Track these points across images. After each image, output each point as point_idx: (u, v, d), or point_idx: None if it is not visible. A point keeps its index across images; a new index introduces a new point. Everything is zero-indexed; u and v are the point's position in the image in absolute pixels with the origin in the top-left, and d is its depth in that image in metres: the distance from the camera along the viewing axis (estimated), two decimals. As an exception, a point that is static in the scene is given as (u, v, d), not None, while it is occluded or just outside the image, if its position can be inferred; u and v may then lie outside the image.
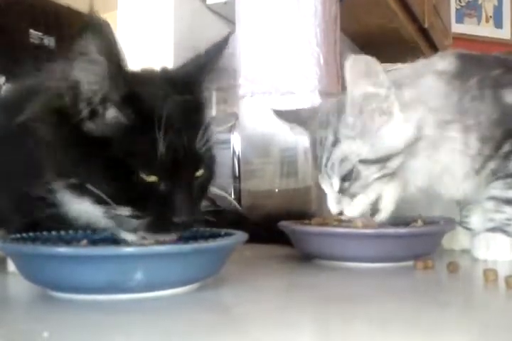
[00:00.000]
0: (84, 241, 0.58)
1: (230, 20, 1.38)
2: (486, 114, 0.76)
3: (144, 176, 0.54)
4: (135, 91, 0.55)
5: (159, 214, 0.55)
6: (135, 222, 0.55)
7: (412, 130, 0.74)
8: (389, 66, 1.52)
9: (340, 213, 0.76)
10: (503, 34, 3.66)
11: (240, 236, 0.58)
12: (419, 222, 0.76)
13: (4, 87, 0.91)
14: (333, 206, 0.76)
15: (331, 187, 0.76)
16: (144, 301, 0.51)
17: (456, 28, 3.23)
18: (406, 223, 0.77)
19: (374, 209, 0.76)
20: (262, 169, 1.08)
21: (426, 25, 1.96)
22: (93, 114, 0.55)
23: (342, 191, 0.75)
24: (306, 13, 1.07)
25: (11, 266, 0.60)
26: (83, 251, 0.50)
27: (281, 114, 0.90)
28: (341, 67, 1.14)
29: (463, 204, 0.86)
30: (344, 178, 0.74)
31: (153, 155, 0.54)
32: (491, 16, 3.69)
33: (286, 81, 1.07)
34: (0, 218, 0.65)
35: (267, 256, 0.81)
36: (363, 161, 0.73)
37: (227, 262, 0.57)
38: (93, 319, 0.46)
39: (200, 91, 0.63)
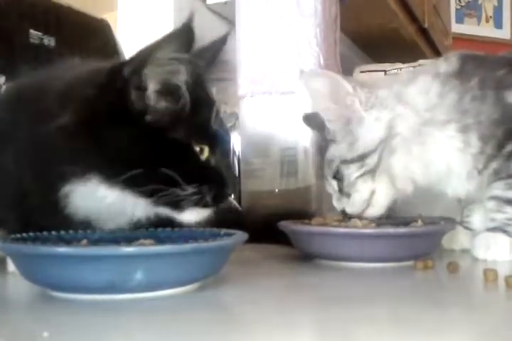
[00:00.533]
0: (85, 241, 0.58)
1: (230, 21, 1.38)
2: (487, 114, 0.77)
3: (200, 153, 0.59)
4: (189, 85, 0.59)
5: (216, 187, 0.60)
6: (195, 198, 0.58)
7: (382, 128, 0.78)
8: (389, 66, 1.52)
9: (343, 210, 0.80)
10: (503, 34, 3.66)
11: (240, 236, 0.58)
12: (419, 222, 0.76)
13: (4, 87, 0.91)
14: (336, 204, 0.82)
15: (331, 187, 0.82)
16: (144, 301, 0.51)
17: (456, 28, 3.23)
18: (406, 223, 0.77)
19: (367, 204, 0.79)
20: (262, 169, 1.08)
21: (426, 26, 1.96)
22: (152, 109, 0.57)
23: (340, 191, 0.80)
24: (306, 13, 1.07)
25: (11, 266, 0.60)
26: (83, 251, 0.50)
27: (307, 119, 0.94)
28: (341, 68, 1.14)
29: (464, 204, 0.86)
30: (337, 178, 0.80)
31: (207, 128, 0.61)
32: (491, 16, 3.70)
33: (286, 81, 1.07)
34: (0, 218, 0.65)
35: (267, 256, 0.81)
36: (344, 161, 0.78)
37: (227, 262, 0.57)
38: (93, 319, 0.46)
39: (207, 80, 0.66)
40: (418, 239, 0.72)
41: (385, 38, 1.82)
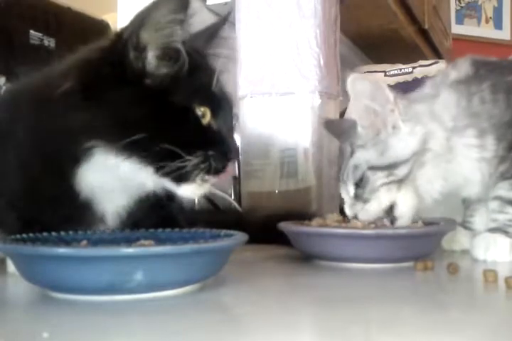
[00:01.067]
0: (84, 242, 0.58)
1: (230, 21, 1.38)
2: (498, 117, 0.78)
3: (200, 118, 0.59)
4: (186, 47, 0.60)
5: (219, 153, 0.60)
6: (199, 166, 0.58)
7: (416, 142, 0.77)
8: (389, 67, 1.52)
9: (355, 217, 0.79)
10: (503, 35, 3.66)
11: (240, 237, 0.58)
12: (419, 223, 0.77)
13: (4, 88, 0.91)
14: (347, 210, 0.80)
15: (346, 193, 0.80)
16: (144, 302, 0.50)
17: (456, 29, 3.23)
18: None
19: (391, 216, 0.77)
20: (262, 170, 1.08)
21: (426, 26, 1.96)
22: (152, 70, 0.58)
23: (356, 197, 0.79)
24: (306, 14, 1.07)
25: (11, 267, 0.60)
26: (83, 251, 0.50)
27: (327, 125, 0.95)
28: (341, 69, 1.15)
29: (467, 204, 0.86)
30: (358, 185, 0.78)
31: (209, 91, 0.61)
32: (490, 17, 3.69)
33: (286, 82, 1.08)
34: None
35: (266, 256, 0.81)
36: (371, 167, 0.77)
37: (227, 263, 0.57)
38: (93, 320, 0.46)
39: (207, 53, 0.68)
40: (418, 240, 0.72)
41: (385, 38, 1.82)
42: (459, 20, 3.58)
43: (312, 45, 1.07)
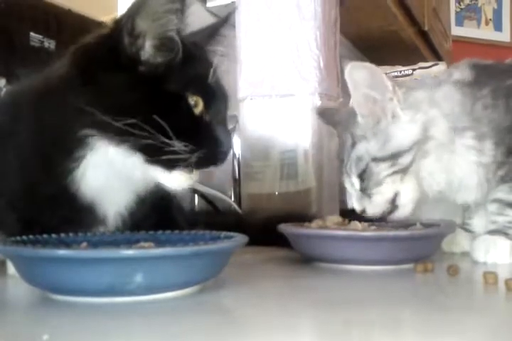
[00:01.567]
0: (84, 244, 0.58)
1: (230, 23, 1.38)
2: (498, 122, 0.78)
3: (192, 107, 0.59)
4: (184, 37, 0.60)
5: (209, 145, 0.60)
6: (186, 157, 0.58)
7: (417, 130, 0.77)
8: (389, 68, 1.52)
9: (363, 211, 0.79)
10: (502, 37, 3.66)
11: (240, 238, 0.58)
12: (418, 225, 0.77)
13: (4, 90, 0.91)
14: (356, 205, 0.80)
15: (351, 186, 0.81)
16: (143, 304, 0.50)
17: (456, 31, 3.24)
18: (406, 226, 0.77)
19: (392, 206, 0.78)
20: (262, 172, 1.08)
21: (426, 28, 1.96)
22: (147, 56, 0.58)
23: (362, 190, 0.79)
24: (306, 16, 1.07)
25: (11, 269, 0.60)
26: (83, 253, 0.50)
27: (322, 114, 0.95)
28: (341, 70, 1.15)
29: (466, 206, 0.86)
30: (362, 177, 0.78)
31: (204, 82, 0.61)
32: (490, 19, 3.70)
33: (286, 84, 1.08)
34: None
35: (266, 258, 0.81)
36: (374, 159, 0.77)
37: (227, 265, 0.57)
38: (93, 322, 0.46)
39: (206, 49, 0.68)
40: (418, 242, 0.72)
41: (385, 40, 1.82)
42: (459, 22, 3.59)
43: (312, 47, 1.07)
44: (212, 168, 0.62)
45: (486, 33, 3.65)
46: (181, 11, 0.58)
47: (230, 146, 0.62)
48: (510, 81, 0.80)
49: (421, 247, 0.72)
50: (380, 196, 0.78)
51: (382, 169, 0.76)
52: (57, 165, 0.59)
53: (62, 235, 0.59)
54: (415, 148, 0.76)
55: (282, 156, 1.07)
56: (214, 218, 1.06)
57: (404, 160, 0.76)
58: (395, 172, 0.77)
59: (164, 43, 0.59)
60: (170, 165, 0.58)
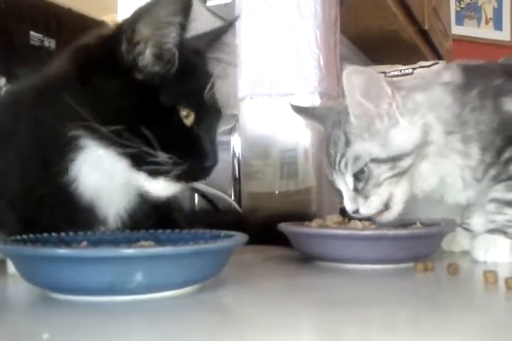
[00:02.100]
0: (85, 243, 0.58)
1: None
2: (486, 123, 0.78)
3: (183, 118, 0.59)
4: (185, 49, 0.60)
5: (194, 159, 0.59)
6: (169, 168, 0.57)
7: (418, 133, 0.77)
8: (389, 68, 1.52)
9: (356, 211, 0.78)
10: (502, 36, 3.66)
11: (240, 237, 0.58)
12: (418, 224, 0.77)
13: (4, 89, 0.91)
14: (348, 204, 0.79)
15: (345, 184, 0.79)
16: (144, 303, 0.50)
17: (456, 30, 3.24)
18: (406, 225, 0.77)
19: (384, 208, 0.78)
20: (262, 171, 1.08)
21: (426, 27, 1.96)
22: (144, 65, 0.58)
23: (356, 190, 0.78)
24: (306, 15, 1.07)
25: (11, 268, 0.60)
26: (83, 252, 0.50)
27: (299, 110, 0.94)
28: (341, 69, 1.14)
29: (466, 205, 0.86)
30: (357, 177, 0.77)
31: (199, 97, 0.61)
32: (490, 18, 3.70)
33: (286, 83, 1.08)
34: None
35: (266, 257, 0.81)
36: (374, 160, 0.76)
37: (227, 264, 0.57)
38: (93, 321, 0.46)
39: (207, 57, 0.68)
40: (418, 241, 0.72)
41: (385, 39, 1.82)
42: (459, 21, 3.58)
43: (312, 46, 1.07)
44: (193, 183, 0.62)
45: (486, 32, 3.65)
46: (183, 25, 0.58)
47: (215, 162, 0.61)
48: (498, 81, 0.80)
49: (421, 246, 0.72)
50: (379, 198, 0.77)
51: (383, 171, 0.76)
52: (52, 164, 0.59)
53: (63, 234, 0.59)
54: (416, 152, 0.76)
55: (282, 155, 1.07)
56: (214, 217, 1.06)
57: (405, 164, 0.76)
58: (394, 175, 0.76)
59: (162, 54, 0.58)
60: (153, 174, 0.58)
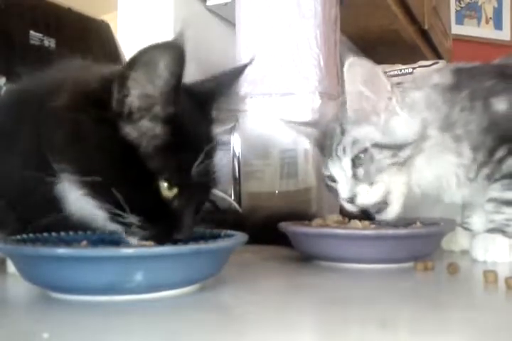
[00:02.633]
0: (84, 242, 0.58)
1: (230, 22, 1.38)
2: (476, 123, 0.78)
3: (164, 190, 0.55)
4: (178, 111, 0.56)
5: (164, 228, 0.56)
6: (137, 231, 0.55)
7: (418, 127, 0.77)
8: (389, 67, 1.52)
9: (351, 200, 0.76)
10: (503, 35, 3.66)
11: (240, 237, 0.58)
12: (418, 224, 0.77)
13: (4, 88, 0.91)
14: (344, 190, 0.77)
15: (341, 170, 0.77)
16: (144, 302, 0.50)
17: (456, 30, 3.24)
18: (406, 224, 0.77)
19: (382, 203, 0.77)
20: (262, 170, 1.08)
21: (426, 27, 1.96)
22: (132, 121, 0.55)
23: (357, 177, 0.76)
24: (306, 15, 1.07)
25: (11, 267, 0.60)
26: (83, 252, 0.50)
27: (290, 122, 0.93)
28: (341, 69, 1.15)
29: (465, 205, 0.86)
30: (356, 163, 0.76)
31: (187, 171, 0.56)
32: (490, 18, 3.70)
33: (287, 82, 1.08)
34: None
35: (267, 257, 0.81)
36: (376, 145, 0.75)
37: (227, 263, 0.57)
38: (93, 320, 0.46)
39: (212, 112, 0.65)
40: (418, 241, 0.72)
41: (385, 39, 1.82)
42: (459, 21, 3.58)
43: (312, 46, 1.07)
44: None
45: (486, 31, 3.65)
46: (177, 79, 0.54)
47: (185, 237, 0.56)
48: (489, 82, 0.80)
49: (421, 246, 0.72)
50: (383, 184, 0.75)
51: (386, 157, 0.75)
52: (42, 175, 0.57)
53: (62, 233, 0.59)
54: (415, 144, 0.76)
55: (282, 155, 1.07)
56: (214, 216, 1.06)
57: (404, 154, 0.76)
58: (393, 164, 0.76)
59: (152, 110, 0.55)
60: (128, 231, 0.56)
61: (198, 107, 0.62)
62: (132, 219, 0.55)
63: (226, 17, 1.41)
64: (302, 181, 1.06)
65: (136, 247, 0.53)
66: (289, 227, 0.75)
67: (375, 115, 0.77)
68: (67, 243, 0.58)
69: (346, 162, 0.76)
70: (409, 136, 0.76)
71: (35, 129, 0.59)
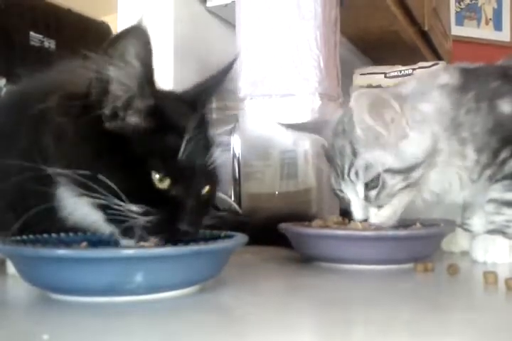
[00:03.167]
0: (84, 244, 0.58)
1: (230, 23, 1.38)
2: (481, 125, 0.78)
3: (156, 181, 0.55)
4: (159, 103, 0.57)
5: (166, 216, 0.55)
6: (139, 223, 0.55)
7: (429, 142, 0.77)
8: (389, 68, 1.52)
9: (365, 220, 0.77)
10: (502, 36, 3.66)
11: (240, 238, 0.58)
12: (418, 225, 0.77)
13: (5, 89, 0.91)
14: (358, 213, 0.78)
15: (355, 193, 0.78)
16: (144, 303, 0.50)
17: (456, 31, 3.23)
18: (406, 225, 0.77)
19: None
20: (262, 171, 1.08)
21: (426, 28, 1.96)
22: (115, 116, 0.56)
23: (368, 199, 0.77)
24: (306, 16, 1.07)
25: (11, 268, 0.60)
26: (83, 253, 0.50)
27: (290, 126, 0.95)
28: (341, 70, 1.15)
29: (465, 206, 0.86)
30: (368, 186, 0.76)
31: (172, 160, 0.56)
32: (490, 19, 3.70)
33: (287, 83, 1.08)
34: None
35: (267, 258, 0.81)
36: (388, 170, 0.75)
37: (227, 264, 0.57)
38: (93, 321, 0.46)
39: (206, 111, 0.65)
40: (418, 242, 0.72)
41: (385, 40, 1.82)
42: (459, 22, 3.58)
43: (312, 47, 1.07)
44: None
45: (486, 32, 3.65)
46: (148, 69, 0.55)
47: (191, 227, 0.56)
48: (494, 84, 0.80)
49: (421, 247, 0.72)
50: (391, 208, 0.77)
51: (397, 181, 0.75)
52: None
53: (62, 235, 0.59)
54: (427, 161, 0.76)
55: (282, 156, 1.07)
56: (214, 217, 1.06)
57: (416, 174, 0.76)
58: (406, 186, 0.76)
59: (132, 114, 0.56)
60: (126, 229, 0.55)
61: (185, 102, 0.62)
62: (133, 207, 0.54)
63: (226, 18, 1.41)
64: (302, 182, 1.06)
65: (136, 248, 0.53)
66: (289, 228, 0.75)
67: (387, 134, 0.76)
68: (67, 244, 0.58)
69: (360, 186, 0.77)
70: (419, 155, 0.76)
71: (31, 132, 0.59)
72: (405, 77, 1.47)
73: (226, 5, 1.35)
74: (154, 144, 0.56)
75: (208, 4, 1.39)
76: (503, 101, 0.78)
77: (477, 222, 0.84)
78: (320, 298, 0.56)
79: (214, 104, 0.68)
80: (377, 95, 0.76)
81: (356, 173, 0.76)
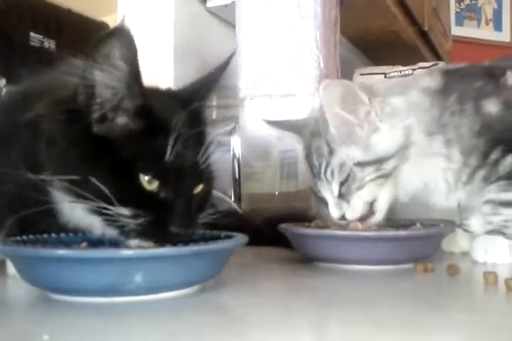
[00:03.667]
0: (84, 244, 0.58)
1: (230, 23, 1.38)
2: (467, 127, 0.77)
3: (145, 183, 0.55)
4: (147, 102, 0.56)
5: (157, 219, 0.55)
6: (130, 226, 0.54)
7: (400, 136, 0.77)
8: (388, 68, 1.52)
9: (342, 217, 0.78)
10: (502, 37, 3.66)
11: (240, 238, 0.58)
12: (418, 225, 0.77)
13: (5, 90, 0.91)
14: (334, 211, 0.79)
15: (330, 192, 0.79)
16: (143, 304, 0.50)
17: (456, 31, 3.24)
18: (406, 226, 0.77)
19: (369, 211, 0.78)
20: (262, 172, 1.08)
21: (426, 28, 1.96)
22: (103, 118, 0.55)
23: (341, 196, 0.78)
24: (306, 16, 1.08)
25: (11, 269, 0.60)
26: (83, 253, 0.50)
27: (273, 123, 0.92)
28: (341, 70, 1.15)
29: (463, 207, 0.86)
30: (343, 184, 0.77)
31: (160, 161, 0.55)
32: (490, 19, 3.70)
33: (286, 84, 1.08)
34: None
35: (267, 258, 0.81)
36: (358, 164, 0.76)
37: (227, 265, 0.57)
38: (93, 322, 0.46)
39: (203, 109, 0.64)
40: (418, 242, 0.72)
41: (385, 40, 1.82)
42: (459, 22, 3.59)
43: (312, 47, 1.07)
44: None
45: (486, 33, 3.65)
46: (135, 71, 0.54)
47: (186, 228, 0.55)
48: (478, 83, 0.79)
49: (421, 247, 0.72)
50: (360, 199, 0.77)
51: (367, 173, 0.76)
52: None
53: (62, 235, 0.59)
54: (399, 154, 0.77)
55: (282, 156, 1.07)
56: (214, 218, 1.06)
57: (388, 166, 0.76)
58: (378, 177, 0.76)
59: (121, 115, 0.55)
60: (123, 232, 0.55)
61: (176, 100, 0.62)
62: (121, 209, 0.53)
63: (226, 18, 1.41)
64: (302, 182, 1.06)
65: (135, 249, 0.53)
66: (289, 229, 0.75)
67: (359, 129, 0.77)
68: (67, 244, 0.58)
69: (335, 186, 0.78)
70: (389, 149, 0.77)
71: (22, 139, 0.59)
72: (406, 77, 1.47)
73: (226, 5, 1.35)
74: (142, 146, 0.55)
75: (208, 4, 1.39)
76: (489, 101, 0.78)
77: (475, 222, 0.84)
78: (320, 298, 0.56)
79: (214, 102, 0.67)
80: (346, 84, 0.77)
81: (332, 172, 0.77)
